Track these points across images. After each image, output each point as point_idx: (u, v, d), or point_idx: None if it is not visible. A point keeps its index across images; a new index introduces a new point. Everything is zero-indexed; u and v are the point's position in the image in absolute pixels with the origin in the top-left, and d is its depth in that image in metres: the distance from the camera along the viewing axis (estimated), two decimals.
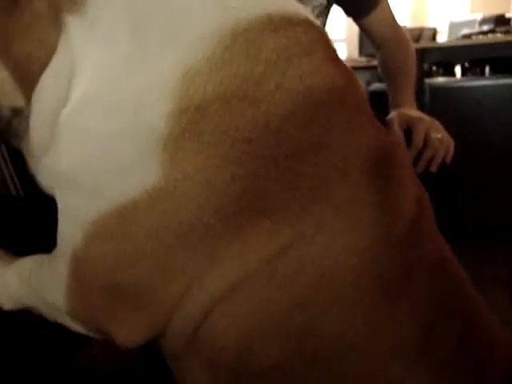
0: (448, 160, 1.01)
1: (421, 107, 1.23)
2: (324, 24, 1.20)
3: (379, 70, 1.26)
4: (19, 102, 0.46)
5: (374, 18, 1.18)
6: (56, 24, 0.42)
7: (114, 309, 0.48)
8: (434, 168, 1.00)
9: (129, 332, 0.48)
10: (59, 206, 0.48)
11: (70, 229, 0.47)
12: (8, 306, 0.58)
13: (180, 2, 0.43)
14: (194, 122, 0.40)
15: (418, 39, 4.77)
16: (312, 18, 0.50)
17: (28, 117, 0.47)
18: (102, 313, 0.49)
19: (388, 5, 1.21)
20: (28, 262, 0.58)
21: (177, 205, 0.42)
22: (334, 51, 0.50)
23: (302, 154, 0.43)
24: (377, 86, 5.18)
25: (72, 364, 0.77)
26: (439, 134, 1.01)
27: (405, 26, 5.61)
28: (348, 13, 1.22)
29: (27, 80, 0.44)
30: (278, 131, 0.42)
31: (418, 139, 1.00)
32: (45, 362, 0.66)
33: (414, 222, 0.47)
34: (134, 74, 0.41)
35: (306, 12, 0.49)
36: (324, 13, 1.17)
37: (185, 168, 0.41)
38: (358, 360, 0.45)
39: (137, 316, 0.47)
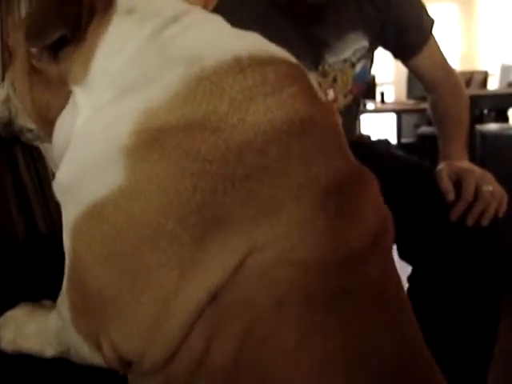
0: (501, 214, 0.97)
1: (471, 154, 1.17)
2: (368, 66, 1.19)
3: (429, 113, 1.24)
4: (32, 126, 0.64)
5: (421, 60, 1.16)
6: (65, 88, 0.56)
7: (100, 317, 0.51)
8: (485, 222, 0.95)
9: (119, 340, 0.50)
10: (63, 217, 0.55)
11: (65, 238, 0.53)
12: (49, 353, 0.60)
13: (155, 59, 0.53)
14: (156, 138, 0.48)
15: (468, 83, 4.70)
16: (286, 55, 0.57)
17: (38, 135, 0.65)
18: (95, 321, 0.51)
19: (438, 47, 1.18)
20: None
21: (139, 205, 0.47)
22: (306, 85, 0.55)
23: (258, 176, 0.48)
24: (425, 129, 5.12)
25: None
26: (491, 186, 0.97)
27: (455, 70, 5.53)
28: (395, 55, 1.21)
29: (44, 118, 0.60)
30: (238, 155, 0.48)
31: (469, 192, 0.96)
32: None
33: (361, 250, 0.51)
34: (109, 112, 0.52)
35: (281, 52, 0.57)
36: (367, 56, 1.16)
37: (147, 173, 0.48)
38: (281, 369, 0.49)
39: (119, 324, 0.50)
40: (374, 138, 1.15)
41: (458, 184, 0.98)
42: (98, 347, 0.52)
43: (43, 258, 0.78)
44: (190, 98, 0.49)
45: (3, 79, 0.70)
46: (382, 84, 5.70)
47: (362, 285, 0.51)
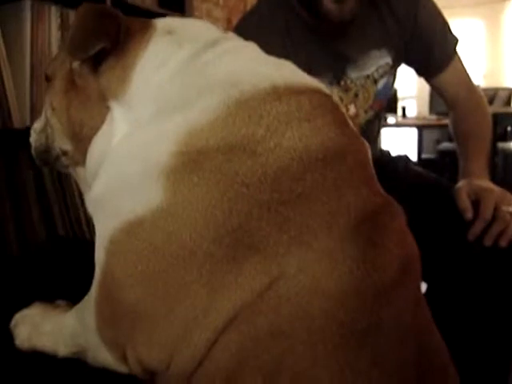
0: None
1: (492, 172, 1.16)
2: (391, 82, 1.19)
3: (450, 130, 1.22)
4: (67, 147, 0.66)
5: (444, 78, 1.16)
6: (103, 105, 0.59)
7: (128, 330, 0.53)
8: (503, 243, 0.93)
9: (146, 353, 0.52)
10: (96, 233, 0.56)
11: (98, 251, 0.55)
12: (62, 352, 0.63)
13: (196, 81, 0.55)
14: (196, 160, 0.50)
15: (492, 100, 4.65)
16: (322, 86, 0.59)
17: (73, 157, 0.67)
18: (123, 334, 0.54)
19: (462, 65, 1.18)
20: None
21: (177, 225, 0.49)
22: (339, 114, 0.57)
23: (293, 203, 0.49)
24: (446, 145, 5.07)
25: None
26: (511, 207, 0.95)
27: (478, 86, 5.48)
28: (418, 72, 1.21)
29: (77, 136, 0.63)
30: (274, 180, 0.49)
31: (487, 211, 0.94)
32: None
33: (391, 281, 0.50)
34: (150, 130, 0.54)
35: (314, 82, 0.59)
36: (389, 72, 1.16)
37: (185, 195, 0.49)
38: None
39: (147, 338, 0.51)
40: (393, 154, 1.15)
41: (477, 203, 0.97)
42: (123, 357, 0.54)
43: (60, 259, 0.80)
44: (229, 121, 0.51)
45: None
46: (403, 98, 5.68)
47: (394, 318, 0.50)
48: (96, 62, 0.59)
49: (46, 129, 0.68)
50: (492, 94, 4.74)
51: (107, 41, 0.57)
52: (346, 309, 0.48)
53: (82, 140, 0.62)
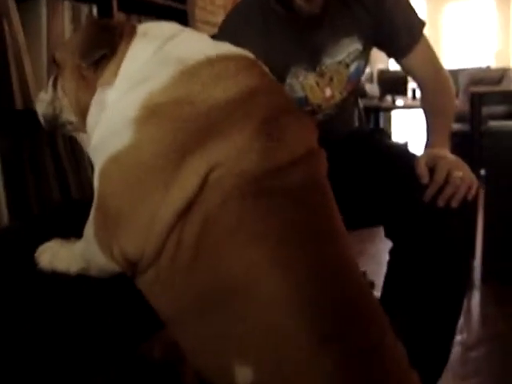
0: (469, 198, 1.05)
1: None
2: (362, 65, 1.29)
3: (421, 107, 1.31)
4: (73, 119, 0.89)
5: (411, 60, 1.25)
6: (100, 89, 0.81)
7: (113, 229, 0.74)
8: (454, 204, 1.03)
9: (125, 244, 0.72)
10: (94, 170, 0.78)
11: (95, 180, 0.76)
12: (73, 269, 0.82)
13: (157, 63, 0.77)
14: (153, 111, 0.73)
15: (500, 80, 4.66)
16: (246, 53, 0.82)
17: (76, 126, 0.90)
18: (111, 231, 0.74)
19: (429, 47, 1.26)
20: None
21: (142, 152, 0.72)
22: (258, 70, 0.81)
23: (216, 121, 0.72)
24: (454, 126, 5.09)
25: (131, 352, 0.91)
26: (461, 172, 1.05)
27: (489, 67, 5.48)
28: (388, 55, 1.30)
29: (81, 111, 0.85)
30: (206, 115, 0.72)
31: (439, 176, 1.04)
32: (110, 349, 0.81)
33: (284, 166, 0.73)
34: (125, 97, 0.78)
35: (242, 51, 0.82)
36: (360, 57, 1.25)
37: (147, 133, 0.72)
38: (227, 244, 0.70)
39: (127, 231, 0.72)
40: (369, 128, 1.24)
41: (433, 170, 1.06)
42: (112, 255, 0.74)
43: (74, 218, 0.95)
44: (176, 85, 0.74)
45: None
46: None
47: (284, 185, 0.72)
48: (97, 62, 0.81)
49: (55, 103, 0.90)
50: (501, 74, 4.75)
51: (107, 49, 0.80)
52: (247, 181, 0.70)
53: (83, 114, 0.84)
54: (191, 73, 0.75)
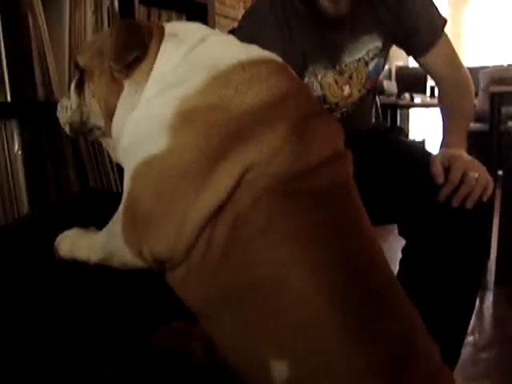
0: (485, 199, 1.04)
1: None
2: (381, 63, 1.29)
3: (438, 105, 1.30)
4: (101, 123, 0.89)
5: (431, 58, 1.24)
6: (132, 90, 0.82)
7: (143, 229, 0.75)
8: (468, 205, 1.03)
9: (156, 244, 0.74)
10: (125, 170, 0.79)
11: (126, 181, 0.78)
12: (93, 259, 0.83)
13: (189, 66, 0.79)
14: (187, 117, 0.74)
15: None
16: (276, 57, 0.83)
17: (104, 131, 0.89)
18: (140, 231, 0.75)
19: (449, 45, 1.26)
20: None
21: (176, 157, 0.73)
22: (287, 73, 0.82)
23: (250, 127, 0.73)
24: (471, 125, 5.03)
25: (142, 343, 0.95)
26: (477, 173, 1.04)
27: (510, 65, 5.38)
28: (408, 52, 1.30)
29: (110, 115, 0.85)
30: (237, 119, 0.73)
31: (455, 176, 1.04)
32: (122, 338, 0.82)
33: (312, 168, 0.75)
34: (156, 101, 0.79)
35: (271, 55, 0.83)
36: (380, 55, 1.25)
37: (181, 138, 0.74)
38: (257, 243, 0.72)
39: (158, 232, 0.74)
40: (388, 125, 1.24)
41: (449, 170, 1.06)
42: (139, 253, 0.76)
43: (91, 207, 0.99)
44: (209, 90, 0.75)
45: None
46: None
47: (313, 186, 0.74)
48: (130, 63, 0.81)
49: (81, 108, 0.89)
50: None
51: (140, 50, 0.80)
52: (278, 182, 0.72)
53: (112, 117, 0.84)
54: (224, 78, 0.76)
